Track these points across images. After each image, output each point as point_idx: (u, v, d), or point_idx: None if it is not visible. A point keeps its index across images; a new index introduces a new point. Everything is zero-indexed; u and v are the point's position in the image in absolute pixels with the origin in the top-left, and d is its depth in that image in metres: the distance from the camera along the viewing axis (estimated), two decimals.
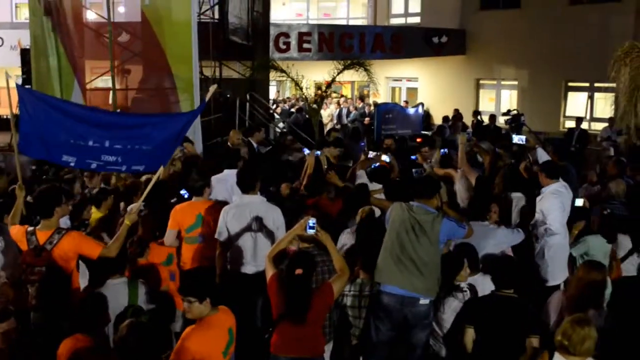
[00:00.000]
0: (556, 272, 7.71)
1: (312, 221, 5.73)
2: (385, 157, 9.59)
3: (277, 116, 21.57)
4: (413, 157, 10.46)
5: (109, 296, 5.62)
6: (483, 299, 6.20)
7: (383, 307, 6.23)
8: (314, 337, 5.59)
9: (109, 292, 5.79)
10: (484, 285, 6.44)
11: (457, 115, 20.68)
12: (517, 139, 9.56)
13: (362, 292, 6.45)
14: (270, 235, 7.04)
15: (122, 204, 8.12)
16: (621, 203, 8.65)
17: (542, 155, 9.01)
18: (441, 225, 6.28)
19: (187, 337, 4.92)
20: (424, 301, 6.19)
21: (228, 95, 17.11)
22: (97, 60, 15.05)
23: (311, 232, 5.74)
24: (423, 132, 17.25)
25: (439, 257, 6.32)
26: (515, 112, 14.35)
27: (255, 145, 11.72)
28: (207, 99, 7.34)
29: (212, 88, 7.28)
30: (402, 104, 22.94)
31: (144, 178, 8.42)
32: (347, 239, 7.39)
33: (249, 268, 7.04)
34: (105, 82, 16.55)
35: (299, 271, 5.42)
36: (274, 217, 7.11)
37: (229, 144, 11.48)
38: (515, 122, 13.95)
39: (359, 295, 6.45)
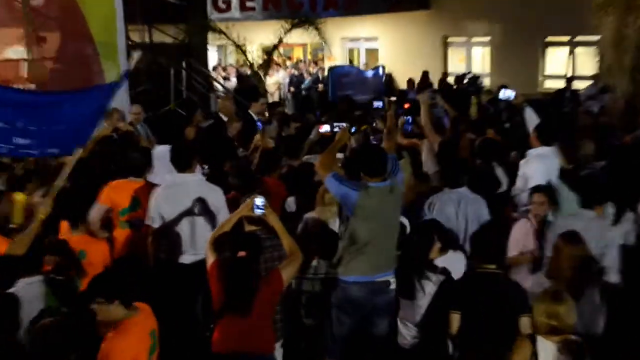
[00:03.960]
0: None
1: (259, 200, 5.63)
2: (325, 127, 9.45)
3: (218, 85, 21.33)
4: (372, 122, 10.44)
5: (21, 298, 5.46)
6: (465, 279, 6.24)
7: (351, 299, 6.21)
8: (261, 330, 5.49)
9: (21, 293, 5.64)
10: (456, 264, 6.51)
11: (425, 78, 20.74)
12: (504, 93, 9.51)
13: (316, 275, 6.48)
14: (211, 218, 6.98)
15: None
16: (601, 168, 8.74)
17: (531, 116, 9.03)
18: (398, 182, 6.31)
19: (106, 348, 4.79)
20: (393, 283, 6.24)
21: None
22: (5, 28, 14.68)
23: (259, 212, 5.64)
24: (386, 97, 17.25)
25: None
26: (471, 75, 14.59)
27: (255, 117, 11.49)
28: (131, 66, 7.22)
29: (136, 55, 7.19)
30: (362, 67, 22.89)
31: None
32: None
33: (186, 257, 6.97)
34: (17, 52, 16.20)
35: (242, 254, 5.34)
36: (214, 198, 7.07)
37: (220, 114, 11.36)
38: (474, 85, 14.18)
39: (312, 279, 6.47)
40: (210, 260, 5.62)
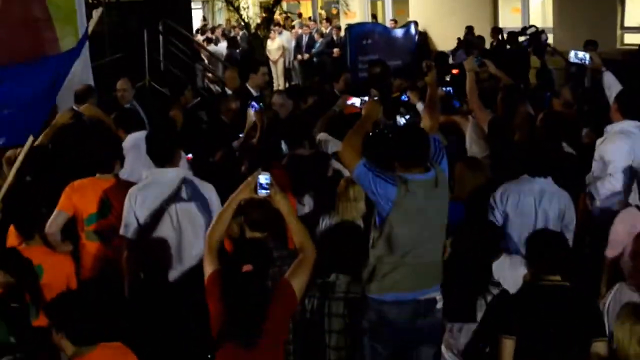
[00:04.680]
0: None
1: (264, 177, 5.51)
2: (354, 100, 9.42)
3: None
4: (403, 97, 10.38)
5: None
6: (521, 294, 6.12)
7: (389, 324, 6.17)
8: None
9: None
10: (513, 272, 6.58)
11: (469, 35, 20.69)
12: (575, 55, 9.44)
13: (334, 293, 6.37)
14: (206, 209, 6.98)
15: None
16: None
17: (612, 82, 8.97)
18: (444, 172, 6.28)
19: None
20: (439, 302, 6.20)
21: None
22: None
23: (263, 193, 5.53)
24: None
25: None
26: (533, 29, 14.52)
27: (253, 92, 11.59)
28: (89, 29, 7.24)
29: (96, 13, 7.21)
30: (389, 24, 22.87)
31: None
32: None
33: (172, 273, 6.99)
34: None
35: (247, 268, 5.29)
36: (208, 197, 7.10)
37: (226, 89, 11.46)
38: (536, 42, 14.10)
39: (328, 298, 6.37)
40: (209, 270, 5.49)
